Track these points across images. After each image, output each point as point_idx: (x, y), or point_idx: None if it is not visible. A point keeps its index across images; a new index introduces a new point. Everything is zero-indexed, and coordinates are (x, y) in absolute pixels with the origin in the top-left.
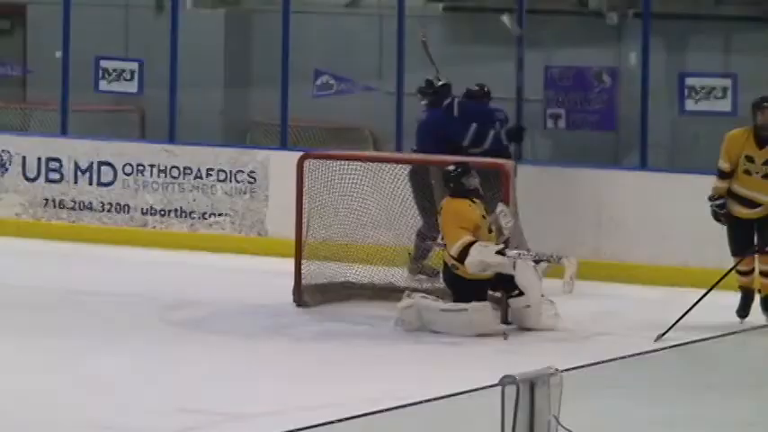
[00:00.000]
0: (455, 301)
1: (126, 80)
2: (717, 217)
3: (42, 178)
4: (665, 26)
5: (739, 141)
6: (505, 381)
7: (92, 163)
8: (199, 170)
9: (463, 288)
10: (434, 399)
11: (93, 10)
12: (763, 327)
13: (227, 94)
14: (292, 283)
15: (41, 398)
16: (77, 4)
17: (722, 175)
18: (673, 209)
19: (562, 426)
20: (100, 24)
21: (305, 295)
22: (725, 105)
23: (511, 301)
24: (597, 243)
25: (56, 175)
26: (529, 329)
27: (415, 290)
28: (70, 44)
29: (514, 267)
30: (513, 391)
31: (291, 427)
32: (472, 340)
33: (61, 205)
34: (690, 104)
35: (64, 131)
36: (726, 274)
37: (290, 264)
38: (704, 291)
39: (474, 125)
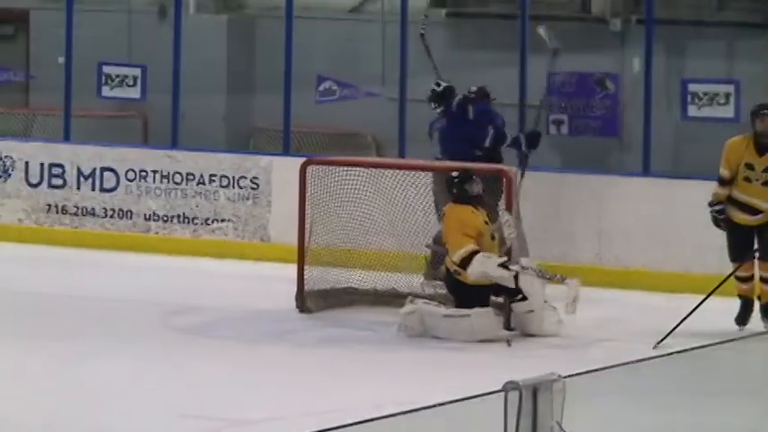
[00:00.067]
0: (458, 306)
1: (129, 86)
2: (716, 223)
3: (45, 184)
4: (668, 32)
5: (739, 149)
6: (508, 386)
7: (94, 169)
8: (201, 176)
9: (466, 294)
10: (437, 405)
11: (95, 16)
12: (764, 333)
13: (229, 100)
14: (295, 289)
15: (43, 403)
16: (80, 9)
17: (722, 182)
18: (675, 215)
19: None
20: (103, 30)
21: (307, 301)
22: (727, 111)
23: (514, 305)
24: (599, 249)
25: (58, 181)
26: (531, 335)
27: (418, 296)
28: (73, 50)
29: (516, 281)
30: (516, 396)
31: None
32: (475, 346)
33: (64, 211)
34: (693, 110)
35: (67, 137)
36: (724, 280)
37: (292, 269)
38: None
39: (490, 127)
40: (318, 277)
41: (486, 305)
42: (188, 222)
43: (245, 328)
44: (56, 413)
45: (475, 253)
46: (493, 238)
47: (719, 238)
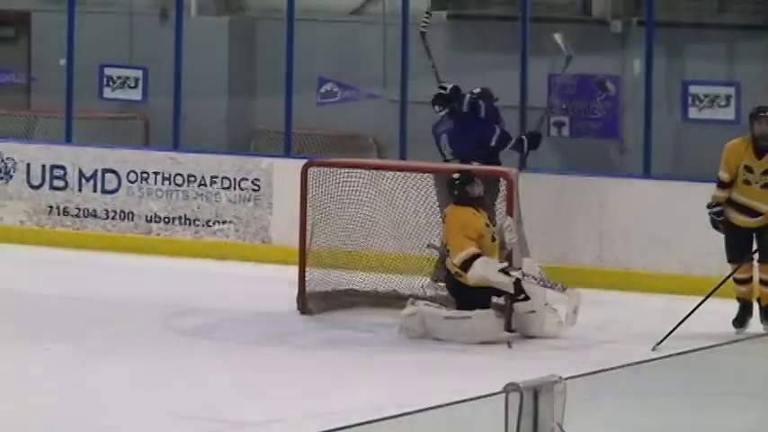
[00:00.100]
0: (458, 308)
1: (130, 88)
2: (714, 225)
3: (47, 185)
4: (669, 34)
5: (738, 151)
6: (509, 388)
7: (96, 170)
8: (203, 178)
9: (467, 296)
10: (438, 406)
11: (97, 17)
12: (763, 335)
13: (231, 102)
14: (296, 291)
15: (44, 405)
16: (82, 11)
17: (721, 184)
18: (676, 217)
19: None
20: (104, 32)
21: (309, 303)
22: (728, 113)
23: (515, 305)
24: (600, 251)
25: (60, 183)
26: (532, 337)
27: (419, 297)
28: (74, 52)
29: (515, 287)
30: (517, 398)
31: None
32: (476, 348)
33: (65, 212)
34: (693, 112)
35: (68, 139)
36: (722, 282)
37: (293, 271)
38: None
39: (497, 126)
40: (319, 279)
41: (488, 307)
42: (189, 224)
43: (246, 329)
44: (57, 415)
45: (476, 256)
46: (494, 239)
47: (720, 239)
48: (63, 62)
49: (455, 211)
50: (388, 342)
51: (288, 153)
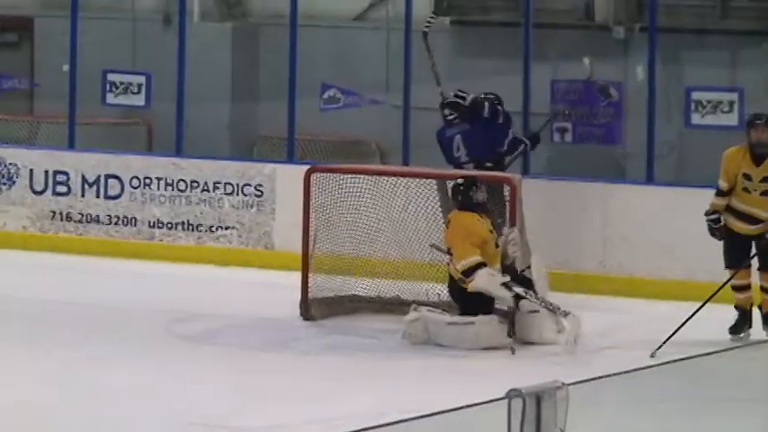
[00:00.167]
0: (462, 314)
1: (133, 93)
2: (712, 232)
3: (49, 191)
4: (672, 40)
5: (736, 159)
6: (512, 394)
7: (99, 176)
8: (206, 183)
9: (470, 301)
10: (441, 412)
11: (100, 23)
12: (764, 342)
13: (234, 108)
14: (299, 297)
15: (45, 410)
16: (85, 17)
17: (720, 192)
18: (679, 223)
19: None
20: (107, 38)
21: (311, 308)
22: (731, 119)
23: (521, 302)
24: (603, 257)
25: (63, 188)
26: (532, 343)
27: (422, 303)
28: (77, 57)
29: (516, 303)
30: (520, 404)
31: None
32: (479, 353)
33: (68, 218)
34: (696, 118)
35: (71, 144)
36: (719, 288)
37: (296, 277)
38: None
39: (510, 131)
40: (322, 285)
41: (491, 313)
42: (192, 230)
43: (249, 335)
44: (59, 421)
45: (479, 265)
46: (497, 245)
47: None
48: (66, 68)
49: (459, 217)
50: (390, 348)
51: (291, 159)
